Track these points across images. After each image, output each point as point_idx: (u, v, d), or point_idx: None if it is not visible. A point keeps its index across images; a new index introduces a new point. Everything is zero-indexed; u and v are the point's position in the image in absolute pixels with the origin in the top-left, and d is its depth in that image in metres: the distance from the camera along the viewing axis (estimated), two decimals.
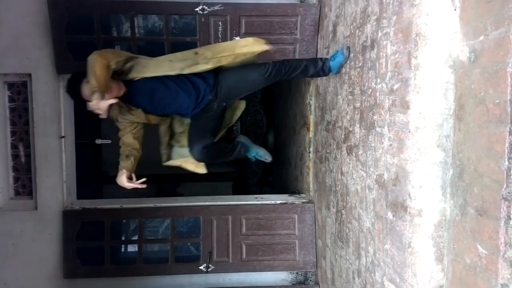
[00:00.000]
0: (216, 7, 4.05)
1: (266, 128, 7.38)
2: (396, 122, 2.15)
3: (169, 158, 3.36)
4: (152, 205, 4.40)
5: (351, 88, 2.96)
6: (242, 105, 3.54)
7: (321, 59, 3.43)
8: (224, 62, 3.08)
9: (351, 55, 2.97)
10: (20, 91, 4.21)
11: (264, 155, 3.50)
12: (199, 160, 3.22)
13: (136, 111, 3.07)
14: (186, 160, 3.28)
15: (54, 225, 4.20)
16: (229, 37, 4.10)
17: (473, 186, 1.67)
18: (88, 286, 4.31)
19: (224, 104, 3.28)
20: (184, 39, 4.29)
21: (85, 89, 2.83)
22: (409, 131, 2.00)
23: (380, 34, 2.39)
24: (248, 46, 3.12)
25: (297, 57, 4.17)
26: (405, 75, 2.05)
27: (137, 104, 3.06)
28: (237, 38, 4.08)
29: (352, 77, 2.93)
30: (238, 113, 3.54)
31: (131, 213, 4.41)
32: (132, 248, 4.65)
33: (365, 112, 2.64)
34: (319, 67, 3.32)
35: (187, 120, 3.30)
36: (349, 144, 3.01)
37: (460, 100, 1.82)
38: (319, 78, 4.00)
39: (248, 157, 3.58)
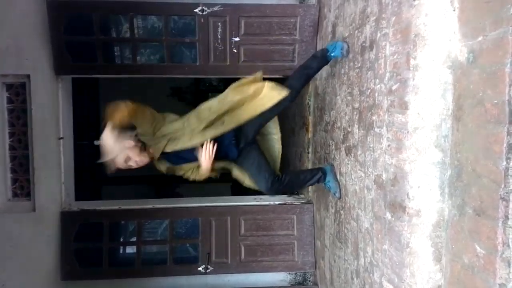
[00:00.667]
0: (215, 8, 4.05)
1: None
2: (395, 123, 2.15)
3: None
4: (150, 206, 4.40)
5: (350, 88, 2.96)
6: (277, 135, 3.50)
7: (322, 51, 3.42)
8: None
9: (350, 55, 2.98)
10: (18, 92, 4.20)
11: (335, 189, 3.34)
12: (271, 195, 3.34)
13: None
14: None
15: (52, 226, 4.19)
16: (228, 38, 4.11)
17: (471, 186, 1.67)
18: None
19: (251, 143, 3.25)
20: (183, 39, 4.29)
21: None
22: (408, 132, 2.00)
23: (379, 34, 2.39)
24: (267, 98, 3.07)
25: (296, 57, 4.18)
26: (403, 75, 2.05)
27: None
28: (236, 39, 4.09)
29: (351, 78, 2.93)
30: (278, 144, 3.51)
31: (129, 215, 4.40)
32: (131, 249, 4.64)
33: (364, 112, 2.64)
34: (324, 61, 3.37)
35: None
36: (348, 144, 3.01)
37: (458, 100, 1.83)
38: (317, 79, 4.02)
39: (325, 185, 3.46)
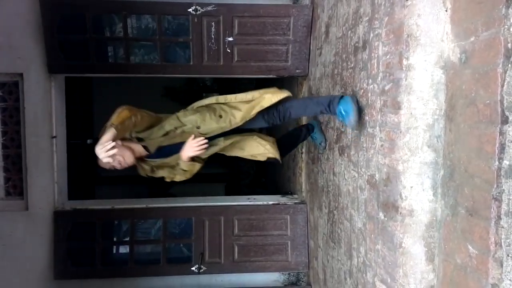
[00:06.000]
0: (209, 8, 4.05)
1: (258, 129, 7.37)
2: (388, 123, 2.15)
3: None
4: (144, 205, 4.38)
5: (343, 89, 2.97)
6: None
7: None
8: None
9: (343, 55, 2.98)
10: (11, 91, 4.17)
11: (321, 140, 3.55)
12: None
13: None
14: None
15: (45, 226, 4.17)
16: (222, 38, 4.10)
17: (464, 186, 1.67)
18: (79, 287, 4.29)
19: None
20: (177, 39, 4.28)
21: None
22: (400, 132, 2.00)
23: (372, 35, 2.39)
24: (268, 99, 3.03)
25: (289, 57, 4.19)
26: (396, 75, 2.05)
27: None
28: (230, 39, 4.09)
29: (344, 78, 2.94)
30: None
31: (122, 214, 4.39)
32: (124, 249, 4.62)
33: None
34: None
35: None
36: (341, 144, 3.02)
37: (451, 100, 1.83)
38: (311, 79, 4.02)
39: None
